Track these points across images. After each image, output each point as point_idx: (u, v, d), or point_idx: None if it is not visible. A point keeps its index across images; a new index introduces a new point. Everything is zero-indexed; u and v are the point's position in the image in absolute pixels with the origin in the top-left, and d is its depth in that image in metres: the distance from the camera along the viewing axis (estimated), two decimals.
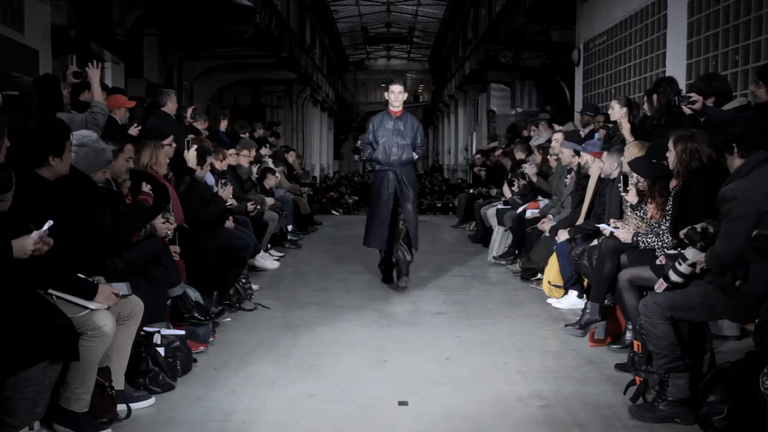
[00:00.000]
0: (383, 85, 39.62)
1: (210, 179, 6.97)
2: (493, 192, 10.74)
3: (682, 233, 4.11)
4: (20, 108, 4.78)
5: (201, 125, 8.67)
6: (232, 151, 8.65)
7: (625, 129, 6.37)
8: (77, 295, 3.56)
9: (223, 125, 9.63)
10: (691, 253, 4.00)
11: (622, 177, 5.54)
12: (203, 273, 5.62)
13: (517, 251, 8.47)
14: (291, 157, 13.06)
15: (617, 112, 6.92)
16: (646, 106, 6.54)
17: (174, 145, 6.16)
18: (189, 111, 8.40)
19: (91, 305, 3.58)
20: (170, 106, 7.55)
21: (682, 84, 6.98)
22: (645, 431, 3.84)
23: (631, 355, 4.45)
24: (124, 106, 6.83)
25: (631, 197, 5.30)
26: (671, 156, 4.65)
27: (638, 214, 5.41)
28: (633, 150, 5.47)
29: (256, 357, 5.05)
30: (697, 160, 4.52)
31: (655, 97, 6.10)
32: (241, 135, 10.25)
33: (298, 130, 22.93)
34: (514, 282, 7.83)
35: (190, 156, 6.37)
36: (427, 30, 31.57)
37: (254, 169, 9.71)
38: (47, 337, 3.26)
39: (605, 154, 6.13)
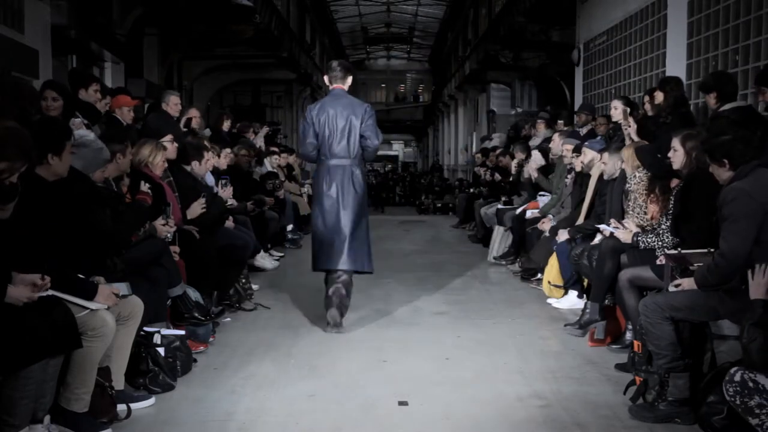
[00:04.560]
0: (383, 86, 39.81)
1: (210, 179, 6.97)
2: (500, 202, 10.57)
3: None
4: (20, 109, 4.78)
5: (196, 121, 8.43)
6: (227, 150, 8.61)
7: (632, 128, 6.35)
8: (77, 295, 3.56)
9: (226, 125, 9.59)
10: (687, 283, 3.98)
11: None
12: (203, 273, 5.62)
13: (517, 251, 8.47)
14: (291, 158, 13.06)
15: (620, 112, 6.92)
16: (647, 106, 6.54)
17: (175, 144, 6.15)
18: (182, 121, 8.16)
19: (92, 305, 3.58)
20: (167, 107, 7.54)
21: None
22: (645, 431, 3.84)
23: (631, 355, 4.45)
24: (127, 105, 6.85)
25: (626, 233, 5.22)
26: (678, 155, 4.61)
27: (639, 214, 5.41)
28: (630, 153, 5.48)
29: (256, 357, 5.05)
30: (703, 159, 4.50)
31: (661, 95, 6.10)
32: (243, 135, 10.24)
33: (299, 131, 22.89)
34: (514, 282, 7.83)
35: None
36: (427, 30, 31.53)
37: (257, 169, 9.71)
38: (47, 335, 3.26)
39: (606, 154, 6.12)
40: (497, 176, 11.45)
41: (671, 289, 4.04)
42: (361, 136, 5.80)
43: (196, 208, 5.96)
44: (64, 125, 4.02)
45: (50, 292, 3.40)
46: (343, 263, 5.75)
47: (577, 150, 7.04)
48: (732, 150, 3.79)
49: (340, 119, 5.78)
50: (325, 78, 6.07)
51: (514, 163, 10.19)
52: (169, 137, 6.04)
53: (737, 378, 3.13)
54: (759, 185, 3.68)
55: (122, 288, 3.92)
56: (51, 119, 4.92)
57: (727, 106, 5.47)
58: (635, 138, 6.22)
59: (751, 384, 3.09)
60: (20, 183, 3.34)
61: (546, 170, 8.57)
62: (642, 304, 4.04)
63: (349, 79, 5.98)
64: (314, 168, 6.26)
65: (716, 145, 3.86)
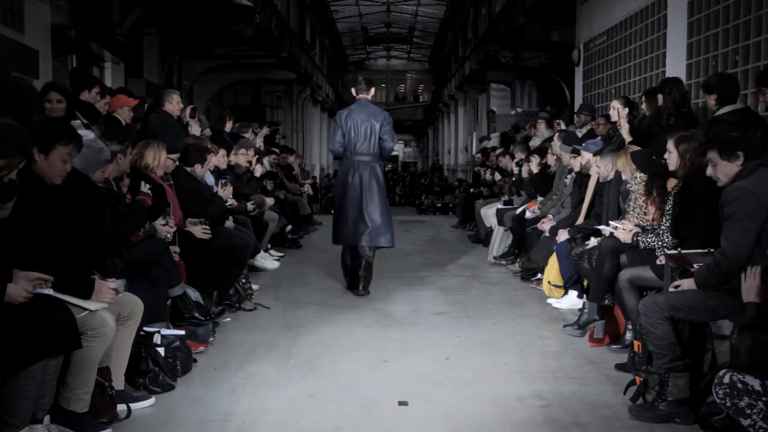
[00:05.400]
0: (383, 85, 39.83)
1: (210, 179, 6.97)
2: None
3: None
4: (21, 108, 4.78)
5: (194, 124, 8.44)
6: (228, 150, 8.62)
7: (624, 129, 6.39)
8: (75, 294, 3.53)
9: (228, 126, 9.60)
10: (687, 283, 4.00)
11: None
12: (203, 273, 5.62)
13: (517, 251, 8.47)
14: (290, 158, 13.07)
15: (616, 113, 6.92)
16: (644, 106, 6.56)
17: (177, 163, 6.13)
18: (187, 110, 8.34)
19: (91, 306, 3.57)
20: (170, 106, 7.53)
21: None
22: (645, 431, 3.84)
23: (631, 355, 4.45)
24: (126, 105, 6.86)
25: (626, 233, 5.18)
26: (672, 157, 4.64)
27: (639, 214, 5.42)
28: (628, 156, 5.50)
29: (256, 357, 5.05)
30: (698, 161, 4.51)
31: (660, 97, 6.10)
32: (242, 135, 10.23)
33: (298, 130, 22.90)
34: (514, 282, 7.83)
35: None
36: (427, 30, 31.52)
37: (258, 166, 9.72)
38: (48, 335, 3.25)
39: (599, 158, 6.17)
40: (497, 175, 11.46)
41: (671, 289, 4.04)
42: (380, 138, 7.01)
43: (198, 231, 5.84)
44: (62, 128, 3.92)
45: (50, 292, 3.39)
46: (365, 240, 7.00)
47: (576, 151, 7.06)
48: (745, 142, 3.79)
49: (364, 124, 6.99)
50: (353, 90, 7.26)
51: (513, 163, 10.20)
52: (175, 156, 6.02)
53: (726, 380, 3.14)
54: (762, 185, 3.68)
55: (118, 284, 3.92)
56: (52, 119, 4.91)
57: (724, 109, 5.47)
58: (627, 138, 6.25)
59: (740, 385, 3.10)
60: (19, 182, 3.33)
61: (542, 175, 8.62)
62: (642, 304, 4.05)
63: (372, 90, 7.23)
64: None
65: (728, 140, 3.84)
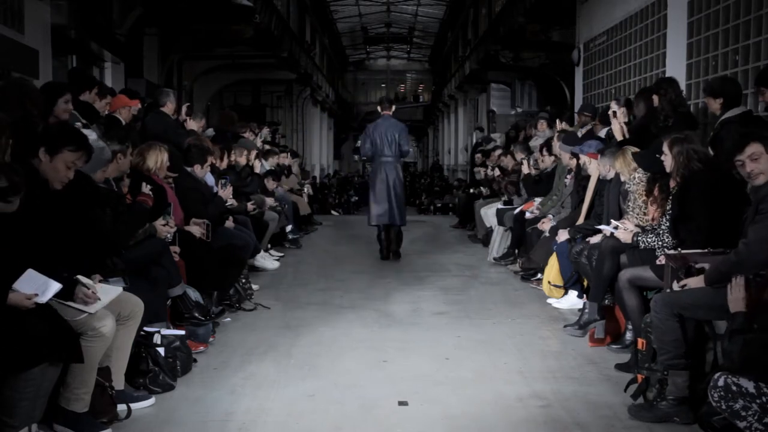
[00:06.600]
0: (383, 86, 39.82)
1: (210, 179, 6.97)
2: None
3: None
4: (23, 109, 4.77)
5: (196, 124, 8.41)
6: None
7: (616, 129, 6.38)
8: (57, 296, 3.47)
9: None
10: (694, 282, 4.01)
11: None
12: (203, 273, 5.62)
13: (516, 251, 8.47)
14: (287, 158, 13.05)
15: (614, 113, 6.91)
16: (636, 109, 6.54)
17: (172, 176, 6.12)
18: (183, 109, 8.34)
19: (90, 309, 3.56)
20: (170, 107, 7.53)
21: (682, 84, 6.96)
22: (644, 431, 3.84)
23: (634, 353, 4.45)
24: (127, 105, 6.86)
25: (626, 233, 5.18)
26: (667, 159, 4.65)
27: (638, 214, 5.42)
28: (626, 157, 5.51)
29: (256, 357, 5.05)
30: (696, 161, 4.52)
31: (655, 98, 6.09)
32: (242, 135, 10.24)
33: (298, 130, 22.90)
34: (514, 282, 7.83)
35: None
36: (427, 30, 31.53)
37: (256, 162, 9.74)
38: (48, 338, 3.25)
39: (599, 157, 6.17)
40: (497, 171, 11.46)
41: (675, 288, 4.04)
42: (399, 144, 9.20)
43: (196, 231, 5.91)
44: (75, 134, 3.88)
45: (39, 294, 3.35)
46: (392, 220, 9.20)
47: (574, 153, 7.06)
48: None
49: (388, 133, 9.21)
50: (378, 108, 9.59)
51: (515, 162, 10.19)
52: (174, 175, 6.02)
53: (721, 383, 3.15)
54: None
55: (118, 283, 3.91)
56: (64, 123, 4.93)
57: (731, 112, 5.44)
58: (618, 137, 6.25)
59: (734, 388, 3.11)
60: (24, 178, 3.33)
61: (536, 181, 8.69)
62: (653, 300, 4.09)
63: (393, 108, 9.50)
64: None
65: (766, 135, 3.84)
